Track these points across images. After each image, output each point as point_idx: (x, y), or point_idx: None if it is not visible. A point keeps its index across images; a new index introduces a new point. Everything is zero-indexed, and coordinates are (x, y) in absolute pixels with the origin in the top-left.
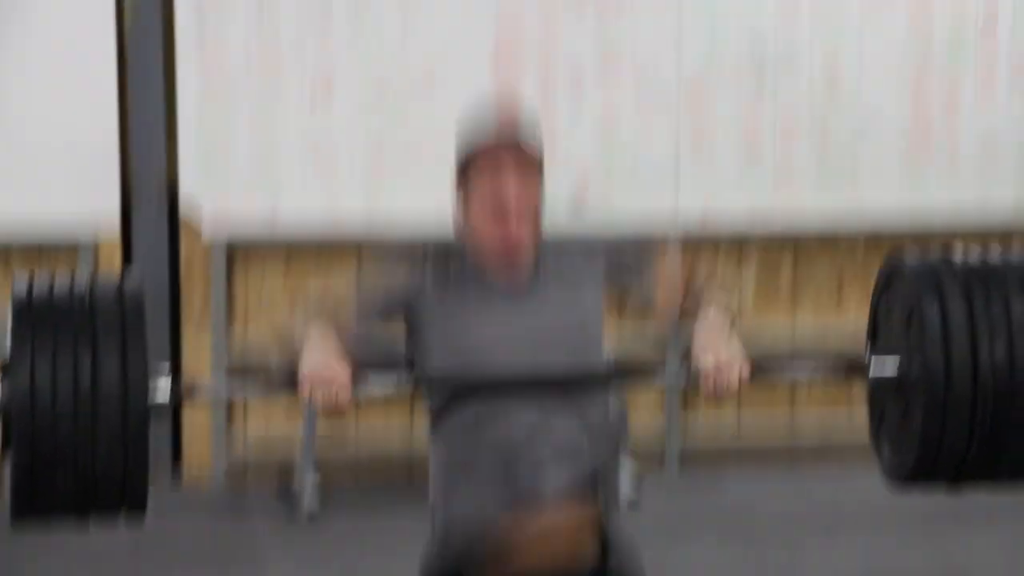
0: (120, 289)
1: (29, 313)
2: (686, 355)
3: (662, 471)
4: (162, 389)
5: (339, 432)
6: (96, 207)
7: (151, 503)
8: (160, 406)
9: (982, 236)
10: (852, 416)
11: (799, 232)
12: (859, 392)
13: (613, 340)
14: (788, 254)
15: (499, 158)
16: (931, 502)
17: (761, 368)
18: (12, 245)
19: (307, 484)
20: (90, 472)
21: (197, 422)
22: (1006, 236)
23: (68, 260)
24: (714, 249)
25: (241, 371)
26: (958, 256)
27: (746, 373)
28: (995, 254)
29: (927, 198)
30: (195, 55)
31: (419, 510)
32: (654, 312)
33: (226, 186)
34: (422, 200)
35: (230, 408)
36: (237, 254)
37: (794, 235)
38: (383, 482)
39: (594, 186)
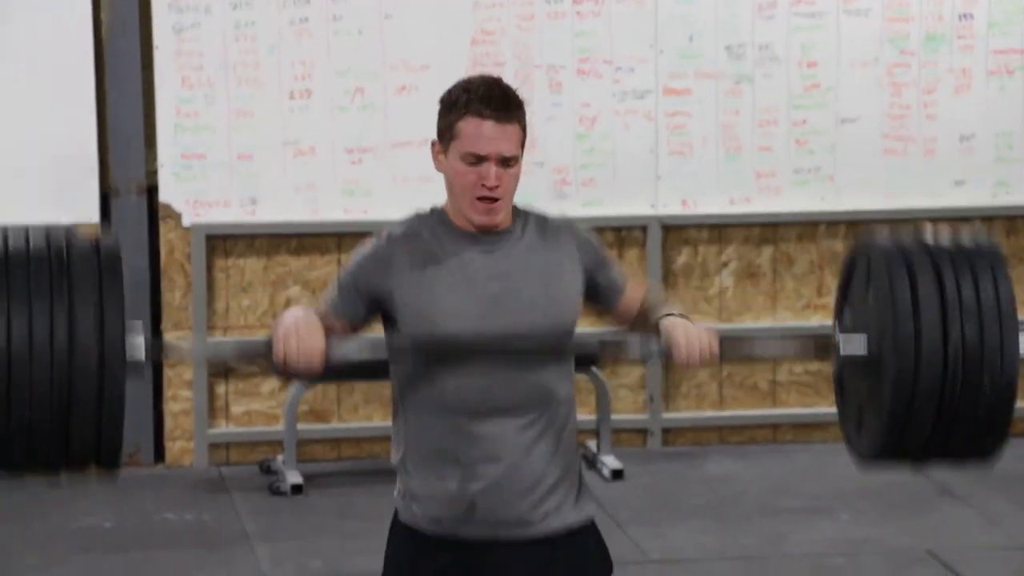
0: (96, 245)
1: (4, 266)
2: (657, 331)
3: (646, 448)
4: (138, 346)
5: (321, 408)
6: (76, 203)
7: (135, 480)
8: (136, 363)
9: (959, 222)
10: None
11: (779, 221)
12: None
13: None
14: (768, 245)
15: (480, 112)
16: (913, 479)
17: (731, 343)
18: None
19: (290, 460)
20: (64, 426)
21: (180, 400)
22: (985, 220)
23: None
24: (695, 240)
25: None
26: (928, 236)
27: (715, 345)
28: (965, 235)
29: (905, 190)
30: (172, 46)
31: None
32: (613, 315)
33: (205, 179)
34: (399, 199)
35: (212, 386)
36: (217, 246)
37: (773, 224)
38: (365, 456)
39: (574, 185)
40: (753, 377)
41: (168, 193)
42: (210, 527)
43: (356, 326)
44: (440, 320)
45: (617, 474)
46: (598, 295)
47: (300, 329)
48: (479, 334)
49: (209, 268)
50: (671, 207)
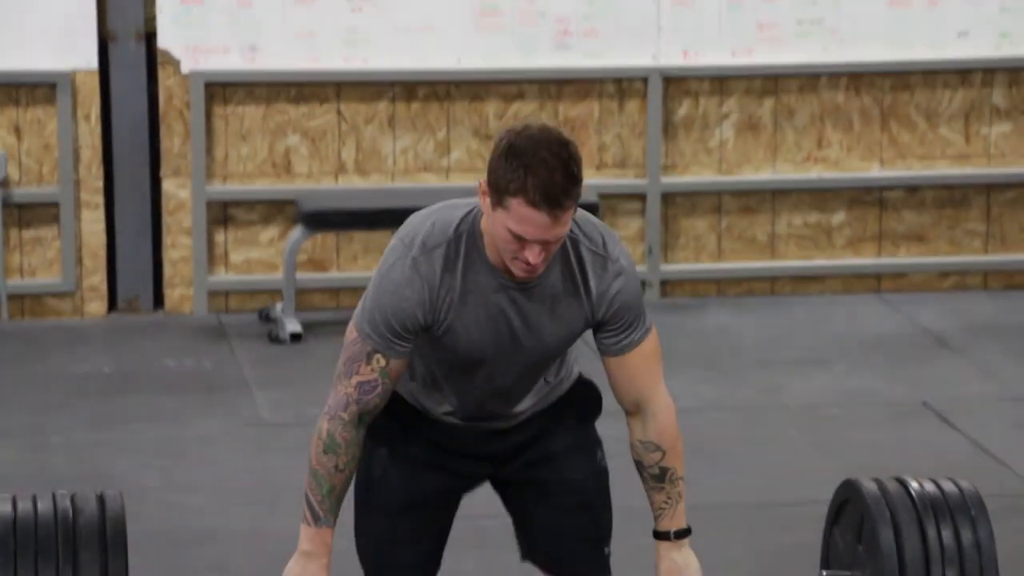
0: (102, 504)
1: (14, 539)
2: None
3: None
4: None
5: (320, 257)
6: (75, 50)
7: (134, 327)
8: None
9: (962, 75)
10: (832, 244)
11: (780, 73)
12: (838, 231)
13: None
14: (769, 97)
15: (538, 201)
16: (909, 331)
17: None
18: None
19: (289, 309)
20: None
21: (179, 247)
22: (988, 73)
23: (47, 98)
24: (695, 91)
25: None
26: (911, 484)
27: None
28: (945, 484)
29: (908, 42)
30: None
31: None
32: (605, 364)
33: (204, 26)
34: (399, 48)
35: (211, 233)
36: (216, 93)
37: (775, 76)
38: None
39: (575, 36)
40: (752, 229)
41: (167, 39)
42: (209, 374)
43: (407, 359)
44: (458, 350)
45: None
46: (596, 336)
47: None
48: (488, 359)
49: (208, 116)
50: (672, 58)
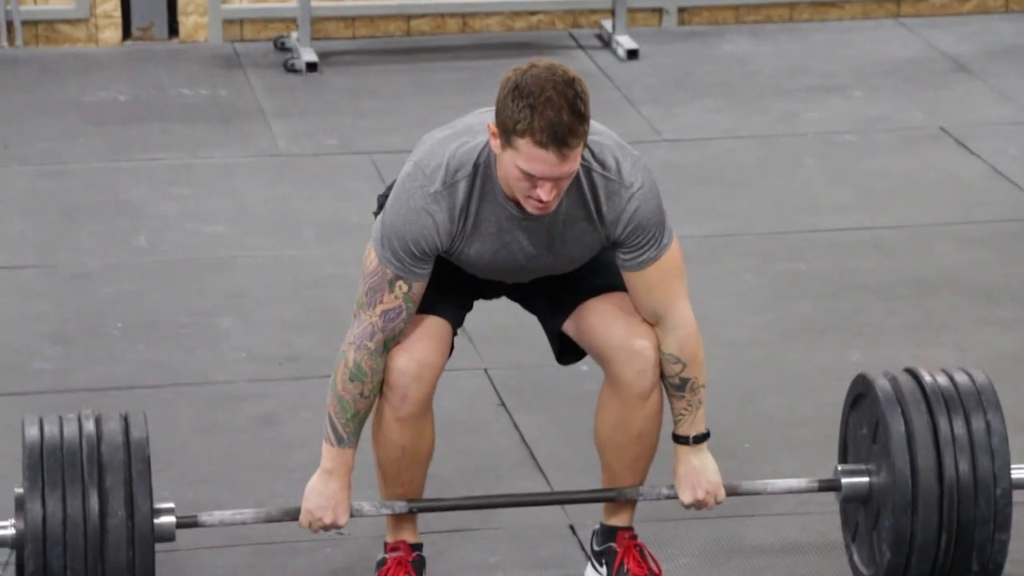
0: (127, 425)
1: (40, 456)
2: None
3: (662, 27)
4: (167, 522)
5: None
6: None
7: (149, 55)
8: (167, 531)
9: None
10: None
11: None
12: None
13: None
14: None
15: (544, 140)
16: (928, 56)
17: (735, 490)
18: None
19: (304, 39)
20: None
21: None
22: None
23: None
24: None
25: None
26: (924, 378)
27: (721, 497)
28: (959, 375)
29: None
30: None
31: (413, 66)
32: (627, 280)
33: None
34: None
35: None
36: None
37: None
38: (380, 35)
39: None
40: None
41: None
42: (225, 102)
43: (427, 281)
44: (473, 267)
45: (632, 54)
46: (616, 254)
47: (324, 513)
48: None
49: None
50: None
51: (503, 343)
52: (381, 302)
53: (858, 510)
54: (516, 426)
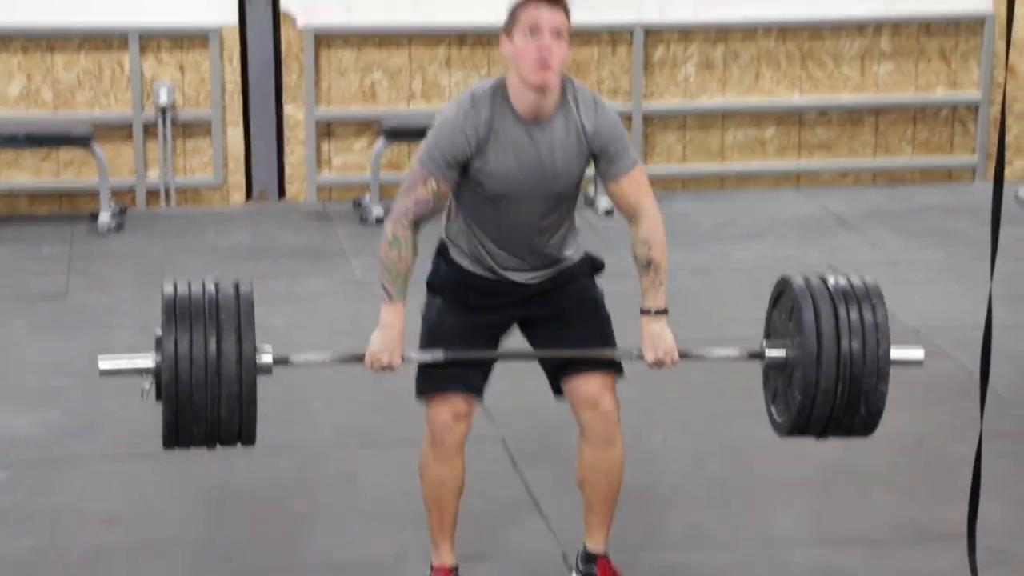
0: (238, 289)
1: (174, 307)
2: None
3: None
4: (266, 361)
5: (397, 160)
6: (220, 8)
7: (264, 212)
8: (267, 366)
9: (859, 27)
10: (765, 152)
11: (728, 26)
12: (769, 142)
13: None
14: (720, 44)
15: (537, 4)
16: (819, 213)
17: (686, 354)
18: (161, 35)
19: (375, 200)
20: (215, 424)
21: (296, 153)
22: (877, 28)
23: (201, 46)
24: (668, 40)
25: (325, 123)
26: (828, 278)
27: (675, 358)
28: (854, 277)
29: (821, 4)
30: None
31: None
32: (606, 188)
33: None
34: (454, 6)
35: (319, 143)
36: (321, 41)
37: (725, 28)
38: None
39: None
40: (708, 141)
41: (287, 1)
42: (318, 245)
43: (453, 183)
44: (493, 178)
45: (608, 212)
46: (597, 167)
47: (383, 359)
48: (518, 189)
49: (316, 58)
50: (651, 15)
51: (518, 414)
52: (415, 191)
53: (777, 376)
54: (523, 481)
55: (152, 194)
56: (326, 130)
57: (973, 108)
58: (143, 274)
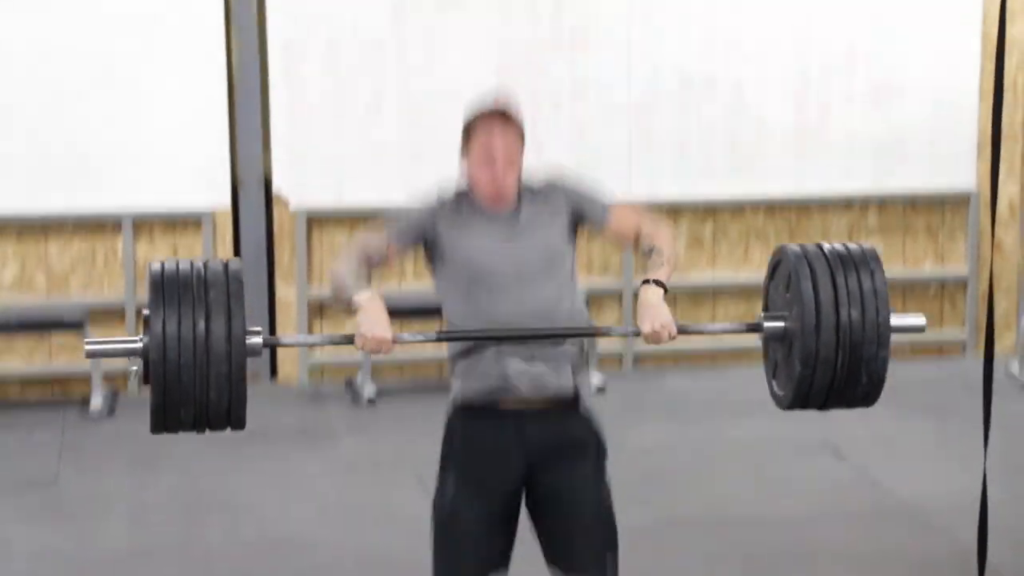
0: (227, 267)
1: (161, 286)
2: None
3: (621, 370)
4: (256, 342)
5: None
6: (213, 191)
7: (257, 393)
8: (256, 347)
9: (846, 203)
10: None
11: (716, 204)
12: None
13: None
14: (709, 221)
15: (490, 121)
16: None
17: (684, 328)
18: (155, 219)
19: (366, 380)
20: (204, 406)
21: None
22: (864, 205)
23: (195, 229)
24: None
25: (317, 308)
26: (825, 246)
27: (674, 332)
28: (851, 245)
29: (808, 181)
30: (283, 81)
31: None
32: (605, 235)
33: (305, 175)
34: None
35: (311, 325)
36: (313, 222)
37: (713, 206)
38: (423, 377)
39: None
40: (699, 316)
41: (280, 184)
42: (311, 426)
43: (402, 252)
44: (473, 253)
45: (601, 389)
46: (585, 220)
47: (376, 334)
48: (496, 264)
49: (308, 238)
50: (640, 191)
51: None
52: (368, 238)
53: (777, 348)
54: None
55: None
56: (318, 309)
57: (962, 283)
58: (134, 459)
